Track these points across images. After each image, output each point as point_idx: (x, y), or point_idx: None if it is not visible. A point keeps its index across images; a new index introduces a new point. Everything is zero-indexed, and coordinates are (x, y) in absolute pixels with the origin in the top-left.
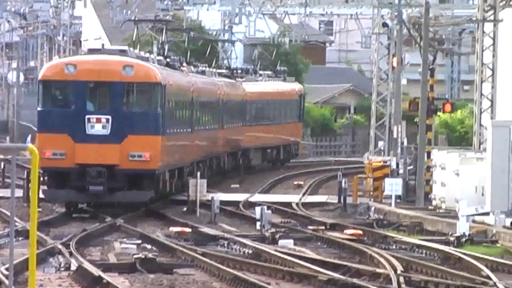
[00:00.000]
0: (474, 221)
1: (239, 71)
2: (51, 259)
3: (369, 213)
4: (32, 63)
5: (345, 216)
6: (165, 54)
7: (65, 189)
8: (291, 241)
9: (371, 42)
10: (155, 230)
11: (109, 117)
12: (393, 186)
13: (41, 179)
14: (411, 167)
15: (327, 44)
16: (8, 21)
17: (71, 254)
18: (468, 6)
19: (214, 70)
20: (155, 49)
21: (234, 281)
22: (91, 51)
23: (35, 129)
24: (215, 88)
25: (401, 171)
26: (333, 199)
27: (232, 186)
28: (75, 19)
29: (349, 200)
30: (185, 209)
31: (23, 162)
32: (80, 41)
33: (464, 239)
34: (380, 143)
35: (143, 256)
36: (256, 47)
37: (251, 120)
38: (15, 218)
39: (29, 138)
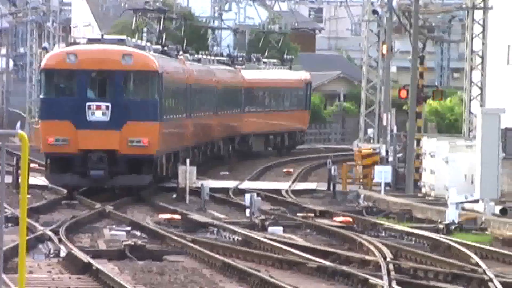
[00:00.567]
0: (463, 209)
1: (240, 59)
2: (40, 246)
3: (358, 201)
4: (21, 50)
5: (335, 203)
6: (163, 42)
7: (68, 174)
8: (281, 228)
9: (361, 30)
10: (144, 217)
11: (109, 104)
12: (383, 174)
13: (45, 163)
14: (401, 154)
15: (317, 31)
16: None
17: (60, 240)
18: None
19: (212, 58)
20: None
21: (224, 268)
22: (91, 40)
23: (24, 115)
24: (210, 76)
25: (390, 159)
26: (323, 186)
27: (221, 173)
28: (64, 6)
29: (339, 187)
30: (174, 196)
31: (12, 149)
32: (70, 28)
33: (453, 227)
34: (370, 131)
35: (132, 243)
36: (244, 34)
37: (250, 107)
38: (4, 205)
39: (18, 125)
